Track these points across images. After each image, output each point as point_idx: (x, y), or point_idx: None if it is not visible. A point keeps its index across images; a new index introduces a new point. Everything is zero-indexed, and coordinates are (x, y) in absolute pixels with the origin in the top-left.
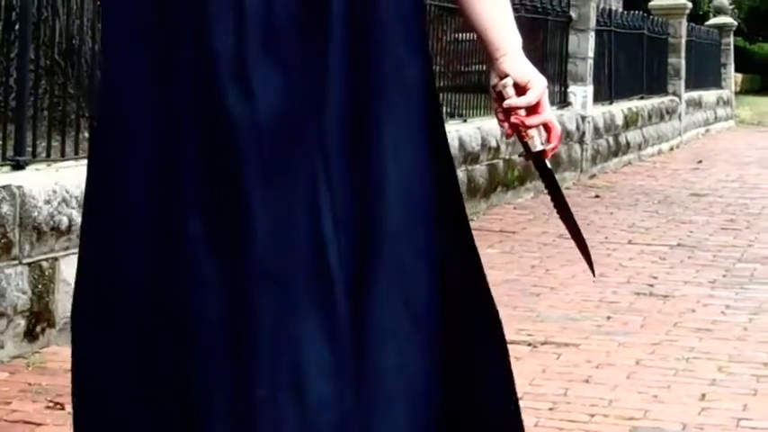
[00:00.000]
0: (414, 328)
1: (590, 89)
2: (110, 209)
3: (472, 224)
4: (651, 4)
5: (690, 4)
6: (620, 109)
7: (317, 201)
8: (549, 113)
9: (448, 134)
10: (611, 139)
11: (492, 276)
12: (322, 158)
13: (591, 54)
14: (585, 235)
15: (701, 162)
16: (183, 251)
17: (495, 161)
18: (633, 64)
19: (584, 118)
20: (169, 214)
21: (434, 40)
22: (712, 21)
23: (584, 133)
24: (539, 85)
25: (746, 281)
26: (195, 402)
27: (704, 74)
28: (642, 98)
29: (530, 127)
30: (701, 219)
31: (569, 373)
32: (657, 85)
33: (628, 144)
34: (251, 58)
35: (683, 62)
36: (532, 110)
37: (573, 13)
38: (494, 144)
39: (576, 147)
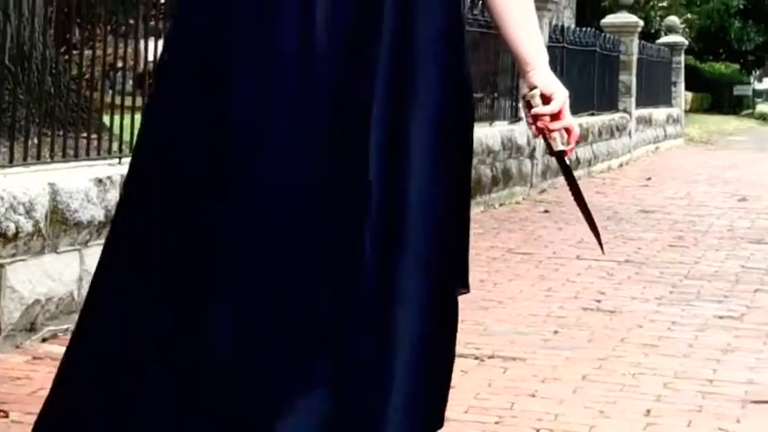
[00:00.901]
0: (421, 297)
1: None
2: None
3: None
4: (603, 21)
5: (641, 23)
6: None
7: (359, 193)
8: (570, 119)
9: None
10: None
11: None
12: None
13: None
14: (533, 250)
15: (650, 179)
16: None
17: None
18: (585, 80)
19: None
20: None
21: None
22: (663, 39)
23: (534, 148)
24: (561, 96)
25: (693, 297)
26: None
27: (655, 92)
28: (593, 114)
29: (553, 131)
30: (649, 235)
31: (516, 388)
32: (608, 102)
33: (578, 160)
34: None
35: (634, 80)
36: (555, 116)
37: None
38: None
39: (527, 162)
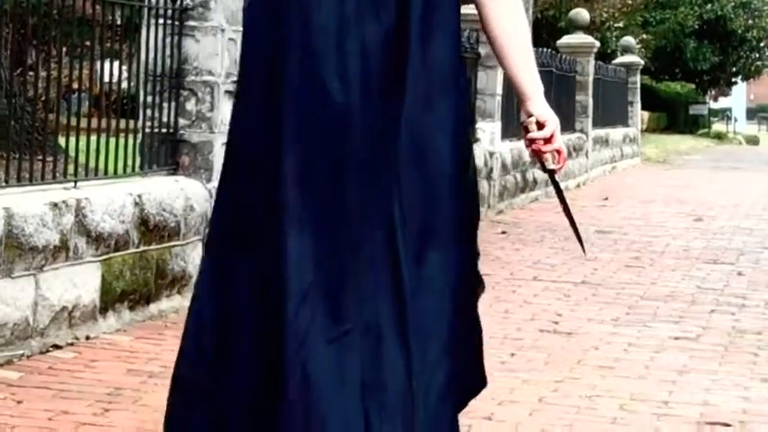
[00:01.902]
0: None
1: (498, 125)
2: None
3: None
4: (559, 42)
5: (598, 43)
6: None
7: (390, 191)
8: (560, 143)
9: None
10: (518, 176)
11: None
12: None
13: (500, 91)
14: (490, 271)
15: (606, 199)
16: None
17: None
18: None
19: (491, 154)
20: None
21: None
22: (620, 59)
23: (491, 169)
24: (552, 124)
25: (649, 318)
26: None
27: (611, 112)
28: None
29: (546, 152)
30: (605, 256)
31: (472, 410)
32: (565, 122)
33: (535, 180)
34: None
35: (591, 100)
36: (548, 140)
37: (482, 51)
38: None
39: (484, 182)
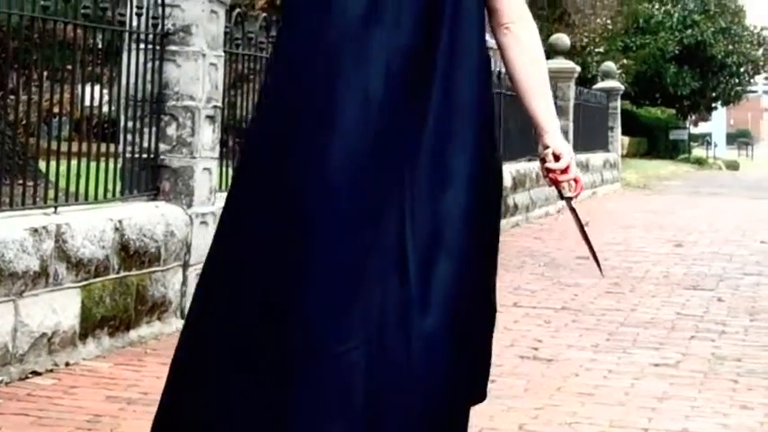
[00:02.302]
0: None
1: None
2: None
3: None
4: None
5: (578, 68)
6: (508, 171)
7: (402, 203)
8: (576, 172)
9: None
10: None
11: None
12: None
13: None
14: None
15: (587, 224)
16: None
17: None
18: (522, 126)
19: None
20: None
21: None
22: (600, 84)
23: None
24: (568, 155)
25: (629, 345)
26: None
27: (592, 137)
28: (530, 160)
29: (562, 182)
30: (586, 282)
31: None
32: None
33: (516, 206)
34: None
35: (571, 125)
36: (564, 170)
37: None
38: None
39: None
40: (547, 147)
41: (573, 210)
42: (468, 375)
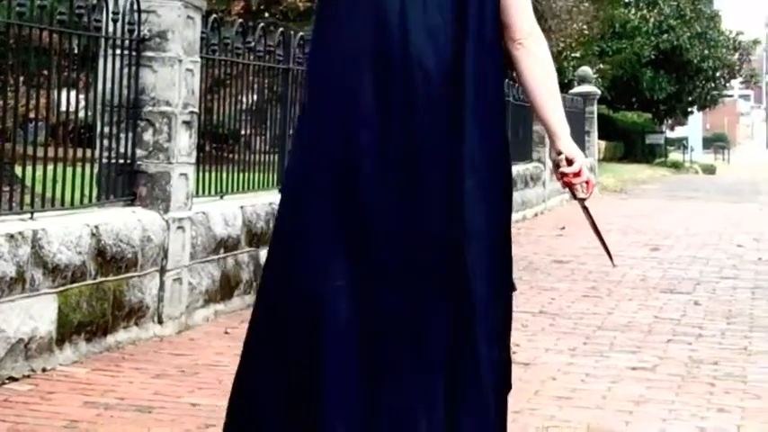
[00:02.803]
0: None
1: None
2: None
3: None
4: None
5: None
6: None
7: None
8: (587, 174)
9: None
10: None
11: None
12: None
13: None
14: None
15: (564, 228)
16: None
17: None
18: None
19: None
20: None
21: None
22: (576, 89)
23: None
24: (580, 160)
25: (606, 348)
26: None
27: None
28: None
29: (575, 184)
30: (563, 286)
31: None
32: (522, 152)
33: None
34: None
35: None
36: (577, 173)
37: None
38: None
39: None
40: (560, 152)
41: (586, 209)
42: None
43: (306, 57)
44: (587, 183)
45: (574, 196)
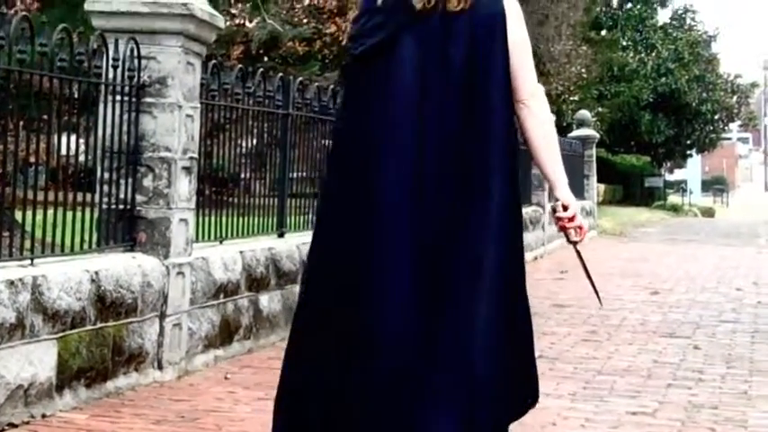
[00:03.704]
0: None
1: None
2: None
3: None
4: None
5: (553, 117)
6: None
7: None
8: (580, 220)
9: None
10: None
11: None
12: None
13: None
14: None
15: (564, 272)
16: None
17: None
18: None
19: None
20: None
21: (302, 145)
22: (575, 133)
23: None
24: (574, 206)
25: (606, 393)
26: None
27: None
28: None
29: (569, 228)
30: (562, 330)
31: None
32: (522, 196)
33: None
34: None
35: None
36: (571, 218)
37: None
38: None
39: None
40: (557, 199)
41: (578, 251)
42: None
43: (307, 101)
44: (580, 228)
45: (568, 239)
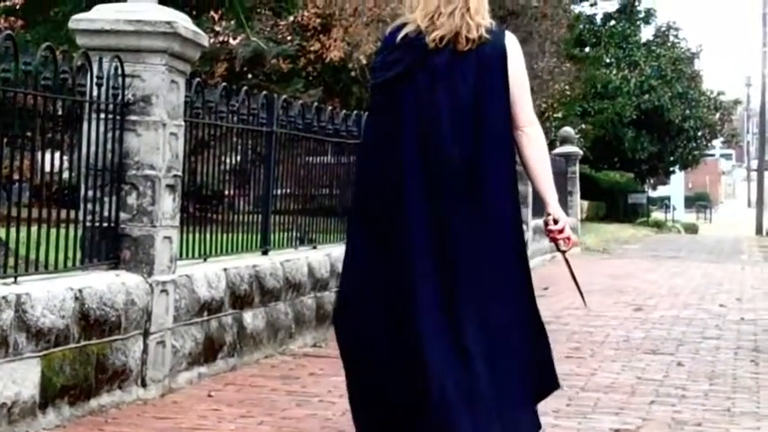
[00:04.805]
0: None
1: None
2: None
3: (318, 351)
4: None
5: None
6: None
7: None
8: (569, 232)
9: (297, 261)
10: None
11: (340, 405)
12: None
13: None
14: None
15: (546, 289)
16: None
17: None
18: None
19: None
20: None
21: (286, 163)
22: (559, 149)
23: None
24: (563, 220)
25: (589, 410)
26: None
27: None
28: None
29: (559, 239)
30: None
31: None
32: None
33: None
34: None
35: (530, 190)
36: (560, 231)
37: None
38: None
39: None
40: (548, 214)
41: (566, 260)
42: None
43: (290, 120)
44: (568, 239)
45: (558, 249)
